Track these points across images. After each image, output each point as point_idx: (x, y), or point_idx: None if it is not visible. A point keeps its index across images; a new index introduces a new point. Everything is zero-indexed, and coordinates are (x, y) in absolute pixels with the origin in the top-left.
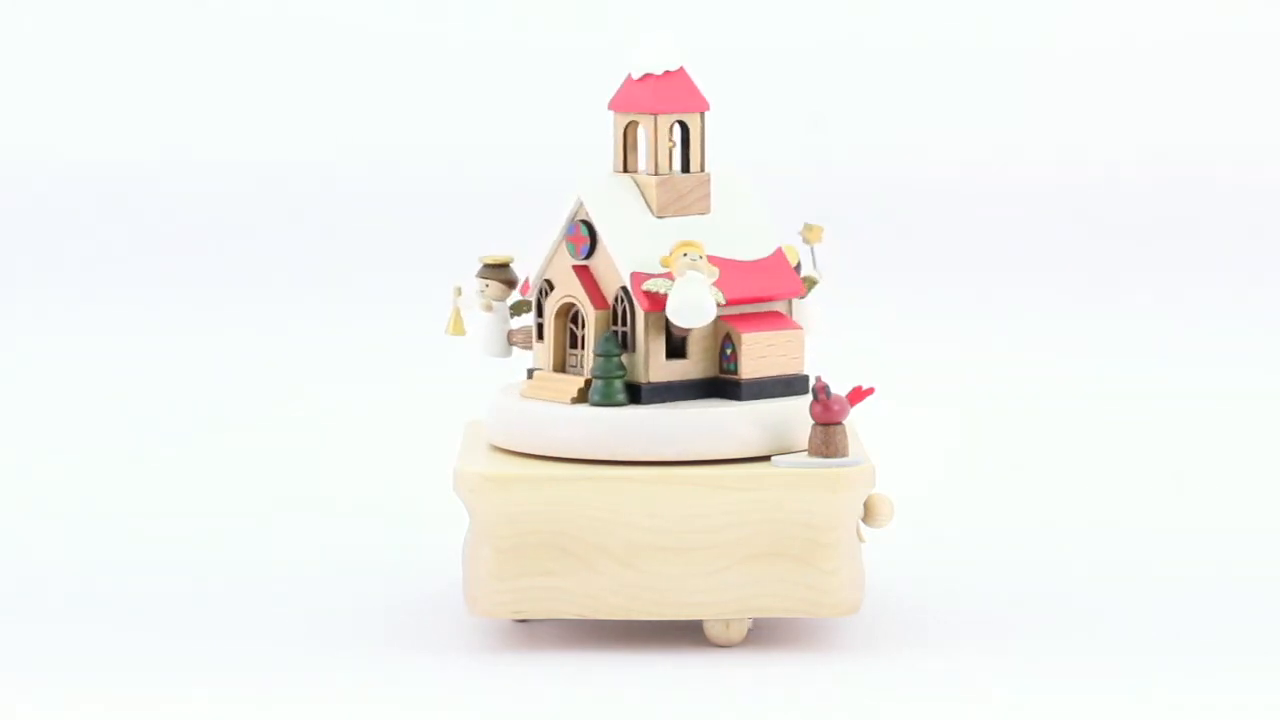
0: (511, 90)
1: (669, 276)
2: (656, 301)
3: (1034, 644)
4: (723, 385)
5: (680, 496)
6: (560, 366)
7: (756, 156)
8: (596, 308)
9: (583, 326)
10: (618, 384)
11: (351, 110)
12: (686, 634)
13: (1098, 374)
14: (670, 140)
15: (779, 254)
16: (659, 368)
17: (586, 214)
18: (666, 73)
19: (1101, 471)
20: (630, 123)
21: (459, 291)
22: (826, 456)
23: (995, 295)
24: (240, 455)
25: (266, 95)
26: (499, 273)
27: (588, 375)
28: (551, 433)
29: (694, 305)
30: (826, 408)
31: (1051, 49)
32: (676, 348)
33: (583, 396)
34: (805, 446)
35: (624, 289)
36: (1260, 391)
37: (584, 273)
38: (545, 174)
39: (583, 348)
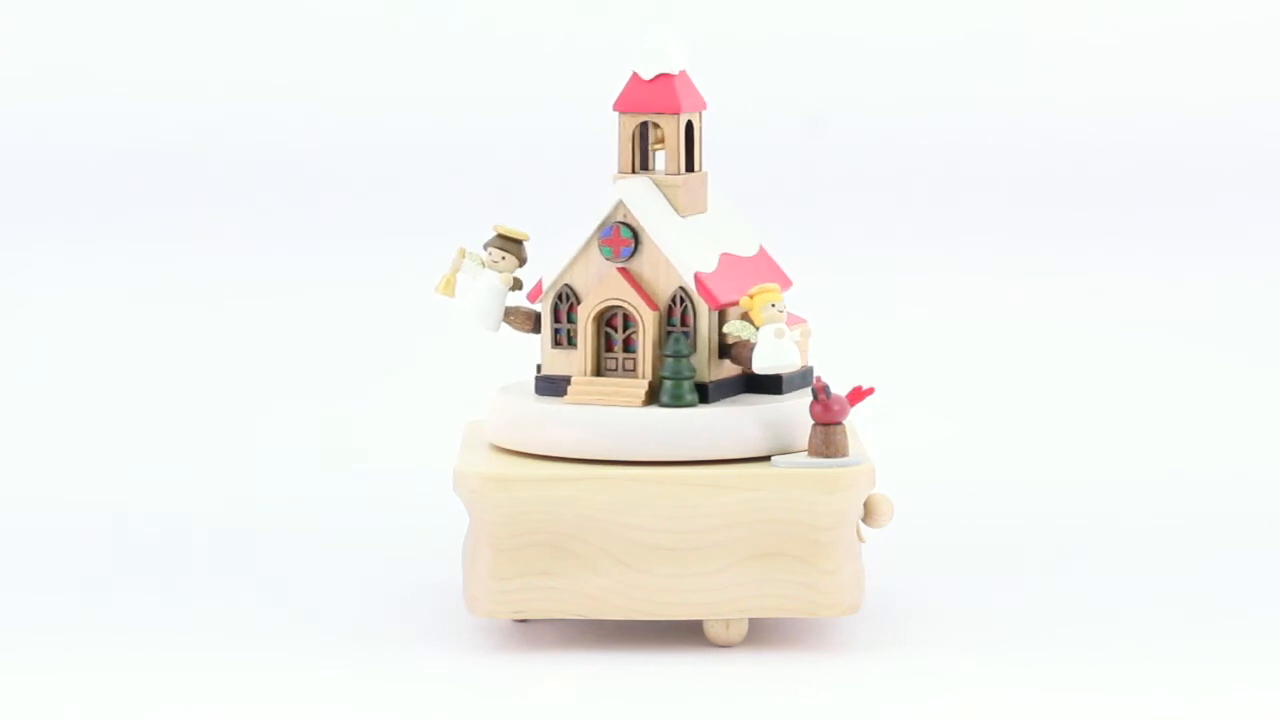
0: (496, 93)
1: (746, 317)
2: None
3: (1034, 643)
4: (760, 380)
5: (680, 496)
6: (596, 371)
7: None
8: (652, 310)
9: (622, 330)
10: (688, 384)
11: (344, 111)
12: (686, 634)
13: (1099, 375)
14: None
15: (763, 249)
16: (717, 366)
17: (630, 216)
18: (680, 71)
19: (1103, 472)
20: (642, 123)
21: (463, 254)
22: (826, 456)
23: (995, 296)
24: (240, 455)
25: (258, 103)
26: (516, 248)
27: (649, 377)
28: (553, 433)
29: (784, 365)
30: (826, 408)
31: (1047, 41)
32: (723, 347)
33: (650, 399)
34: (805, 446)
35: (683, 290)
36: (1263, 387)
37: (628, 275)
38: (530, 178)
39: (626, 350)
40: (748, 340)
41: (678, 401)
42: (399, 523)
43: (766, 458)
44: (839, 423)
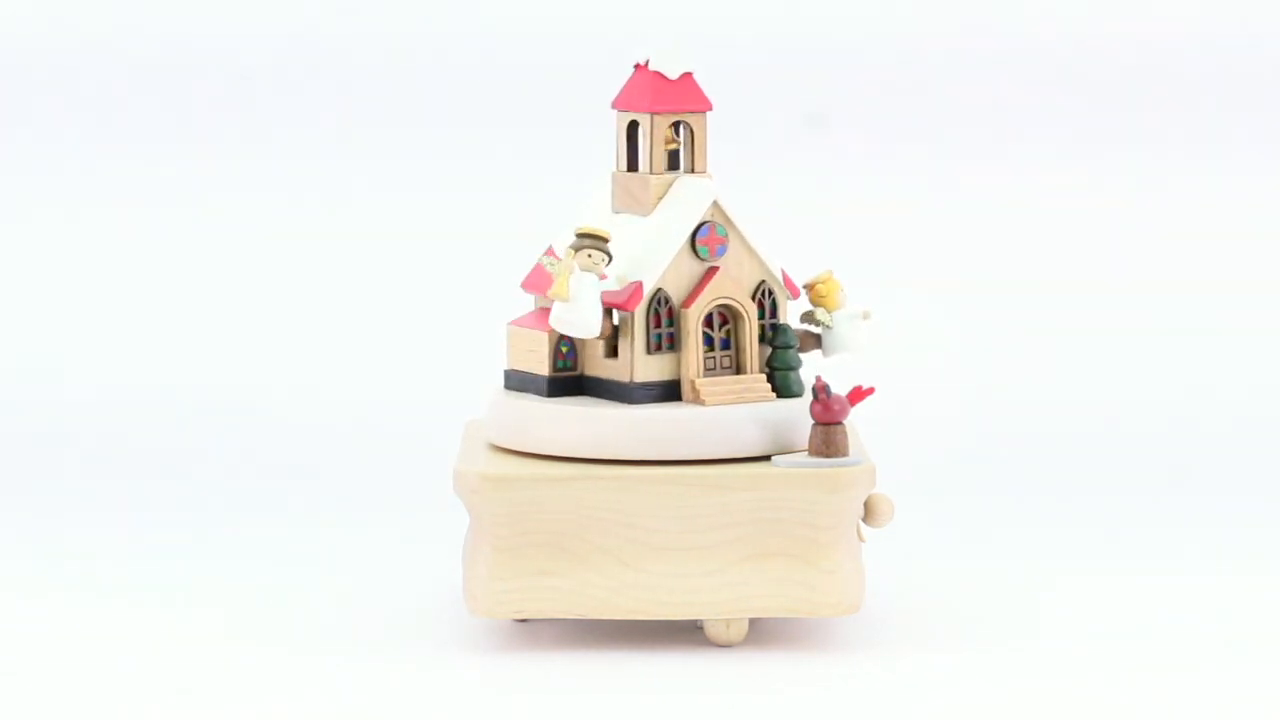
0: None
1: (823, 305)
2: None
3: (1034, 643)
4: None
5: (680, 496)
6: (702, 371)
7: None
8: (753, 305)
9: (720, 328)
10: (795, 374)
11: (340, 113)
12: (686, 634)
13: (1099, 377)
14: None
15: None
16: None
17: (719, 214)
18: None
19: (1105, 473)
20: (631, 121)
21: (572, 253)
22: (826, 456)
23: (994, 296)
24: (240, 455)
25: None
26: (607, 245)
27: (758, 371)
28: (553, 433)
29: (859, 347)
30: (826, 408)
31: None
32: None
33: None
34: (805, 446)
35: (765, 283)
36: (1268, 392)
37: (723, 274)
38: (523, 182)
39: (726, 348)
40: (824, 326)
41: (787, 392)
42: (399, 523)
43: (766, 458)
44: (839, 423)
